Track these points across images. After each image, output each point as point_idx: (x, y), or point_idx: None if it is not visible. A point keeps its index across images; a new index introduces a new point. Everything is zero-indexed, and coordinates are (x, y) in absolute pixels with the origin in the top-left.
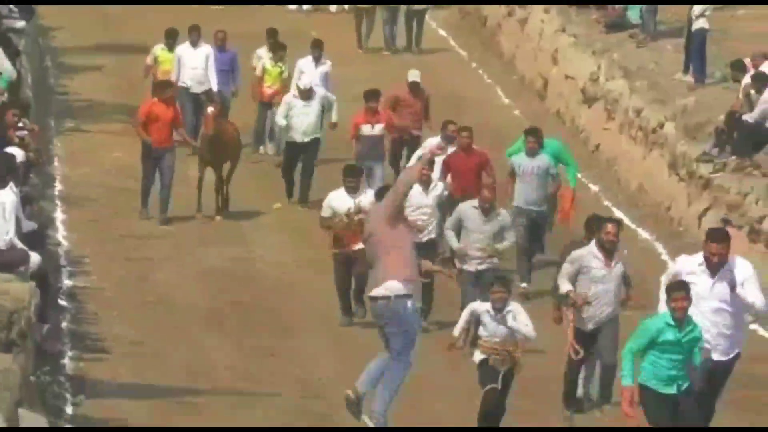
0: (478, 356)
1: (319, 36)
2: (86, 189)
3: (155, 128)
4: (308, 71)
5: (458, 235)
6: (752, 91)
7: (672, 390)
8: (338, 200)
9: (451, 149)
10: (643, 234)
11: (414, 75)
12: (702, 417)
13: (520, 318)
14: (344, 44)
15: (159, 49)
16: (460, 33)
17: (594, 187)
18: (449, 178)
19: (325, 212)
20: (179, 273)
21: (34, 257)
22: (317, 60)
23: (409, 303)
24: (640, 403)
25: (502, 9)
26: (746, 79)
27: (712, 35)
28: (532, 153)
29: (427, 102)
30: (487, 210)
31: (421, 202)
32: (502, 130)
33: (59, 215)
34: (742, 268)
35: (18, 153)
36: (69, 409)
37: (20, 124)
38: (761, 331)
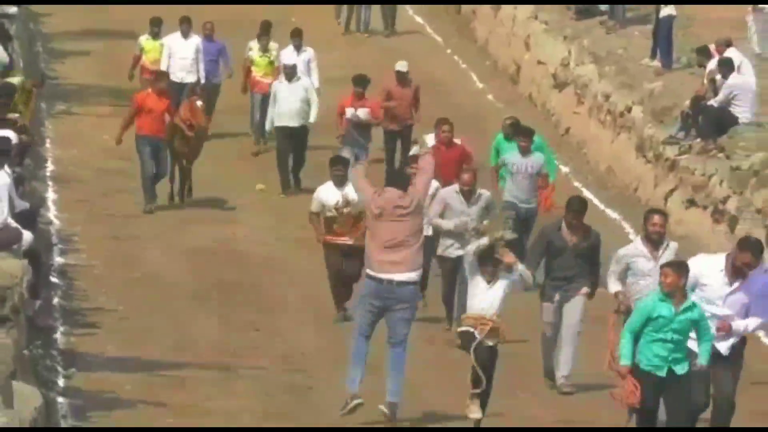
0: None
1: (299, 22)
2: (76, 170)
3: (149, 119)
4: (290, 61)
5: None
6: (718, 76)
7: (662, 373)
8: (326, 193)
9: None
10: (612, 214)
11: (401, 65)
12: (691, 405)
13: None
14: (324, 29)
15: (144, 40)
16: (436, 19)
17: (565, 169)
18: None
19: (315, 206)
20: (166, 251)
21: (27, 235)
22: (298, 49)
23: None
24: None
25: None
26: (711, 65)
27: (678, 22)
28: (525, 152)
29: (416, 93)
30: (469, 193)
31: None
32: (477, 114)
33: (51, 195)
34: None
35: (11, 135)
36: (61, 382)
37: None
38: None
